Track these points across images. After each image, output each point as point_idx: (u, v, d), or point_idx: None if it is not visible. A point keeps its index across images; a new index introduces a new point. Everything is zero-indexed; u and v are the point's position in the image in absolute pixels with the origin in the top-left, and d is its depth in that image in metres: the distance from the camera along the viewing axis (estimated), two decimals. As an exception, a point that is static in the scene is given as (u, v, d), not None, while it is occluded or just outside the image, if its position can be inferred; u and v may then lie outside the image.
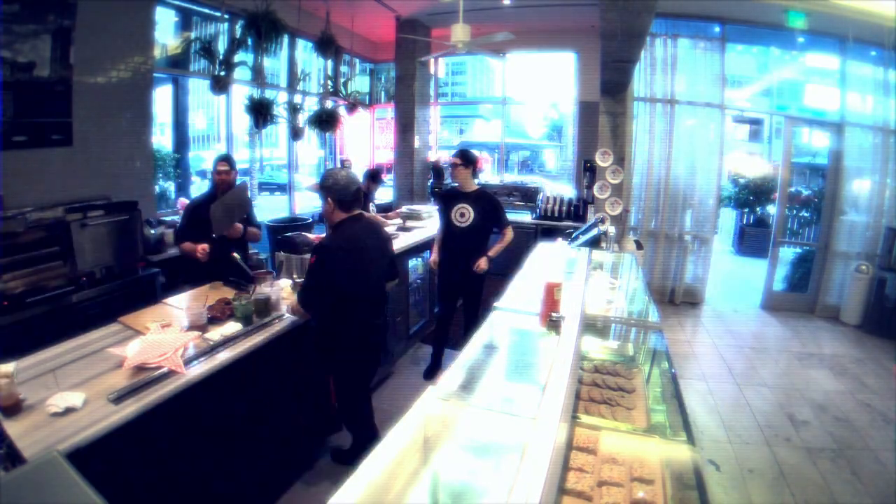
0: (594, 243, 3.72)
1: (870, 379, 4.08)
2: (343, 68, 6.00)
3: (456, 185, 3.61)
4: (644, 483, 1.39)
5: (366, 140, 8.05)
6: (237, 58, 4.13)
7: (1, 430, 1.55)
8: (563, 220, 6.24)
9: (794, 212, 6.33)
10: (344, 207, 2.28)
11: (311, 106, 5.30)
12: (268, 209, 6.37)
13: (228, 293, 2.77)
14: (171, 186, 5.37)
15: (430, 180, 7.20)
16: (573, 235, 3.89)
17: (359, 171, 5.24)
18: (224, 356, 2.12)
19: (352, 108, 5.70)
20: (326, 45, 4.94)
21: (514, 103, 7.83)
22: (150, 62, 4.03)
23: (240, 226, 3.18)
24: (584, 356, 2.23)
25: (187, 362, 2.02)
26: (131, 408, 1.71)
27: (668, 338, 2.18)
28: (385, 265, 2.52)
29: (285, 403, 2.62)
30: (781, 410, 3.55)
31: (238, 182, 3.40)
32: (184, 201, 4.60)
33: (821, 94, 6.49)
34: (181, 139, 5.72)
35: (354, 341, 2.40)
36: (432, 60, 7.19)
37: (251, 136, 5.81)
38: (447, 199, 3.59)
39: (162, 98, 5.16)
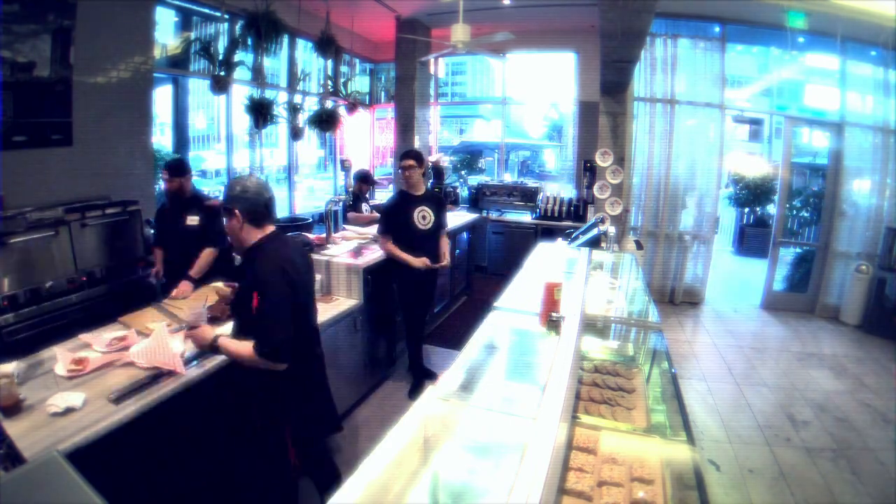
0: (594, 243, 3.72)
1: (870, 379, 4.07)
2: (343, 68, 6.00)
3: (405, 188, 3.45)
4: (644, 483, 1.39)
5: (366, 140, 8.05)
6: (237, 58, 4.14)
7: (1, 430, 1.55)
8: (563, 220, 6.23)
9: (794, 212, 6.32)
10: (255, 222, 1.83)
11: (311, 106, 5.30)
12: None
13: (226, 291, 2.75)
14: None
15: (430, 180, 7.20)
16: (573, 235, 3.89)
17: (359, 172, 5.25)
18: (224, 356, 2.10)
19: (352, 108, 5.70)
20: (326, 45, 4.95)
21: (514, 103, 7.83)
22: (150, 62, 4.02)
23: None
24: (584, 356, 2.23)
25: (187, 362, 2.02)
26: (131, 408, 1.72)
27: (668, 338, 2.18)
28: (313, 286, 2.18)
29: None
30: (781, 410, 3.55)
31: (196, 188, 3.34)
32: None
33: (821, 94, 6.49)
34: (181, 139, 5.73)
35: (315, 378, 2.06)
36: (432, 60, 7.18)
37: (251, 136, 5.81)
38: (404, 202, 3.43)
39: (162, 98, 5.17)
